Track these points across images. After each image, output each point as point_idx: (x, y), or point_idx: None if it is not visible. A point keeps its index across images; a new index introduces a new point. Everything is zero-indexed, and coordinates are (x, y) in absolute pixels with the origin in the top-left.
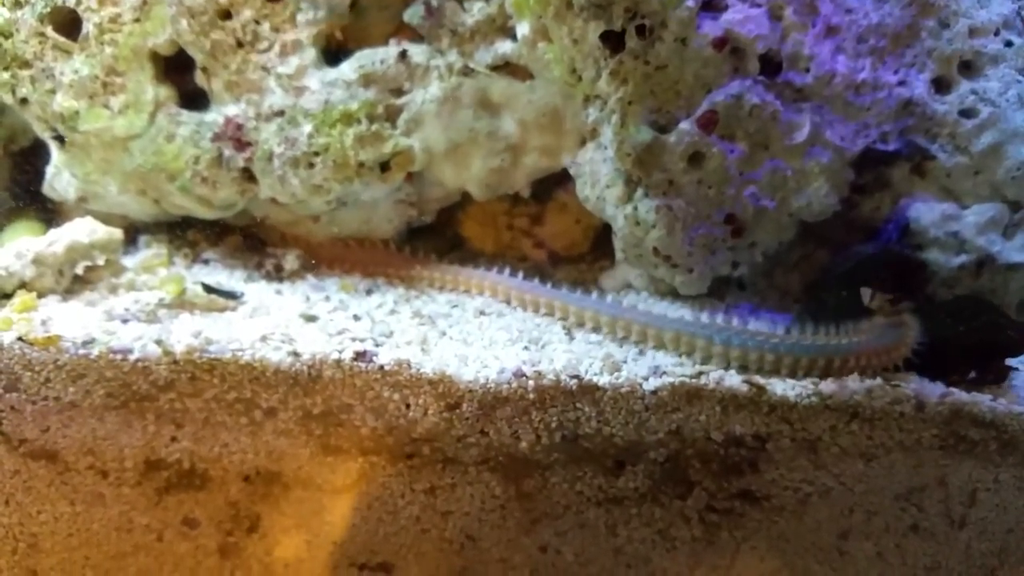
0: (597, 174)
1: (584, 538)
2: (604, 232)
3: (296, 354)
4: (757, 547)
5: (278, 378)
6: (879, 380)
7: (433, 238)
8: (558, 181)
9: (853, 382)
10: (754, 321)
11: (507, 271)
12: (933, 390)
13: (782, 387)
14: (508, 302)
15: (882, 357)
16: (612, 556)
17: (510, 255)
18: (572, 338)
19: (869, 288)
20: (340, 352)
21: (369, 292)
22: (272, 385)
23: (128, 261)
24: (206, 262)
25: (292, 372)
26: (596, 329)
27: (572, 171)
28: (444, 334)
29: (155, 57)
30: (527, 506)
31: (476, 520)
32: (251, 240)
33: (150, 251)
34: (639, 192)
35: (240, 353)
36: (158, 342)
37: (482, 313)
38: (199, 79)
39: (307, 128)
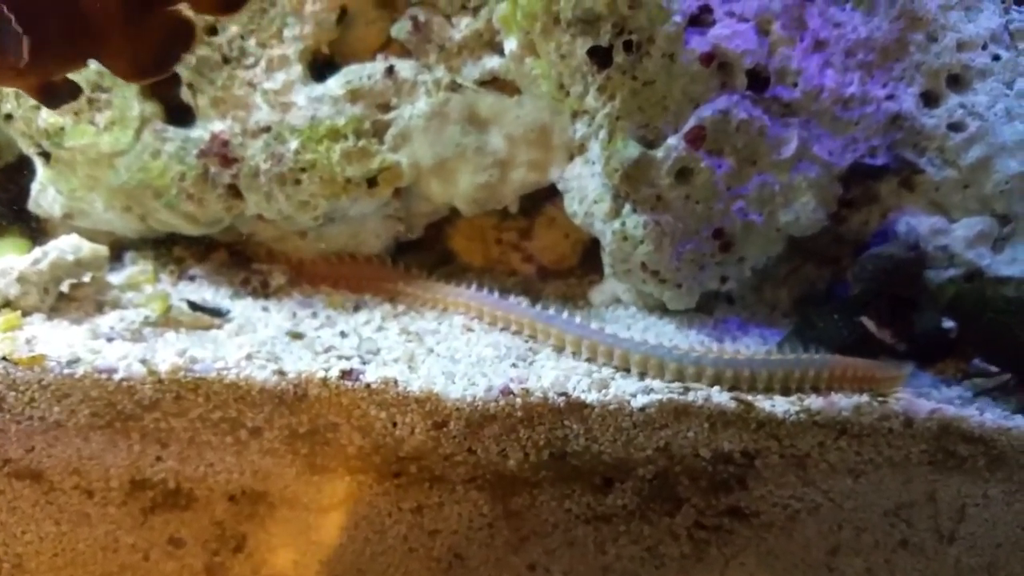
0: (585, 189)
1: (573, 556)
2: (593, 246)
3: (282, 373)
4: (746, 564)
5: (263, 397)
6: (866, 397)
7: (422, 253)
8: (547, 195)
9: (841, 398)
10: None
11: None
12: (922, 406)
13: (770, 404)
14: (492, 323)
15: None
16: (601, 574)
17: (499, 269)
18: (561, 354)
19: (869, 320)
20: (326, 370)
21: (357, 308)
22: (257, 404)
23: (114, 278)
24: (192, 278)
25: (278, 391)
26: (579, 355)
27: (560, 186)
28: (431, 351)
29: None
30: (515, 524)
31: (464, 539)
32: (238, 256)
33: (136, 268)
34: (627, 207)
35: (225, 372)
36: (143, 361)
37: (470, 329)
38: (185, 95)
39: (294, 144)
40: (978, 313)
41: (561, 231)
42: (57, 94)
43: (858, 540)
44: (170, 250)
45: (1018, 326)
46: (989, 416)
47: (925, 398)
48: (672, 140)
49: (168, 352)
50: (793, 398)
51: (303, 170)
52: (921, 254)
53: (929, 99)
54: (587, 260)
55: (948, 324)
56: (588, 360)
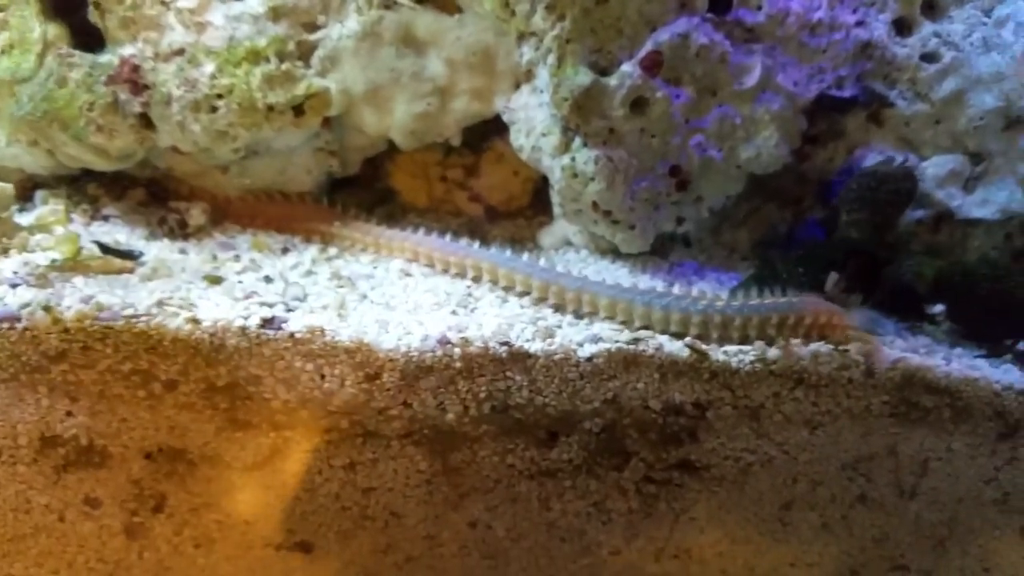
0: (532, 120)
1: (516, 513)
2: (544, 185)
3: (196, 321)
4: (696, 518)
5: (177, 347)
6: (826, 345)
7: (360, 191)
8: (495, 128)
9: (799, 347)
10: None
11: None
12: (884, 355)
13: (723, 353)
14: (444, 269)
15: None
16: (545, 530)
17: (443, 209)
18: (505, 301)
19: (836, 274)
20: (245, 319)
21: (285, 251)
22: (171, 355)
23: (23, 219)
24: (106, 219)
25: (192, 341)
26: (528, 295)
27: (506, 117)
28: (365, 297)
29: None
30: (455, 481)
31: (400, 496)
32: (157, 195)
33: (46, 208)
34: (577, 141)
35: (134, 320)
36: (46, 309)
37: (407, 274)
38: (92, 16)
39: (209, 68)
40: (971, 288)
41: (510, 168)
42: None
43: (814, 494)
44: (84, 188)
45: (1018, 288)
46: (956, 366)
47: (889, 347)
48: (627, 67)
49: (73, 299)
50: (748, 347)
51: (219, 96)
52: (912, 172)
53: (902, 27)
54: (538, 200)
55: (937, 309)
56: (555, 306)
